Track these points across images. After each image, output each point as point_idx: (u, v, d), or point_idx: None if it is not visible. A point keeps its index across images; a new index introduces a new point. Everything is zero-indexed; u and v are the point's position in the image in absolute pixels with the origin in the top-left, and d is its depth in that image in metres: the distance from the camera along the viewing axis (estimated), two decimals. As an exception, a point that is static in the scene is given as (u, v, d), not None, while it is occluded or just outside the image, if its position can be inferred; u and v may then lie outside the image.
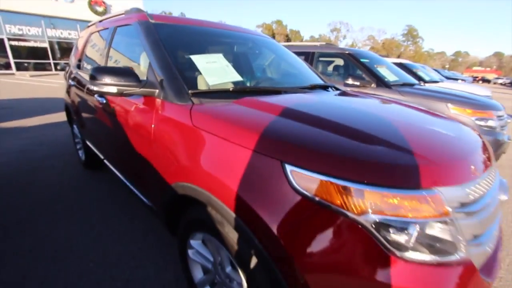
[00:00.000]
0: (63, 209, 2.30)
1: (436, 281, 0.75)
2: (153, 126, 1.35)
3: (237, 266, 1.02)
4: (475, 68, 72.06)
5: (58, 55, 19.11)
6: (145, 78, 1.44)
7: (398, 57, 47.78)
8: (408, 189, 0.75)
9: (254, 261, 0.93)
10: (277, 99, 1.33)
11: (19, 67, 17.11)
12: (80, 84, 2.55)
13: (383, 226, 0.75)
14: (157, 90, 1.37)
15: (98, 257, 1.74)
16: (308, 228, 0.79)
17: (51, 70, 18.76)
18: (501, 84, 41.14)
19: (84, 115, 2.52)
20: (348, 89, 2.28)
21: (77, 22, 19.30)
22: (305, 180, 0.80)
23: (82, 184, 2.78)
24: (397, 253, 0.74)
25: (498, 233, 1.06)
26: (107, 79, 1.32)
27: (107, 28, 2.22)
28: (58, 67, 18.99)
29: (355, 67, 3.71)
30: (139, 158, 1.49)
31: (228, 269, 1.15)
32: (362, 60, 3.70)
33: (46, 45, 18.22)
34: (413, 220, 0.74)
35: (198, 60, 1.54)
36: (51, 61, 18.70)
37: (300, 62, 2.32)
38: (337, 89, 1.92)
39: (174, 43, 1.65)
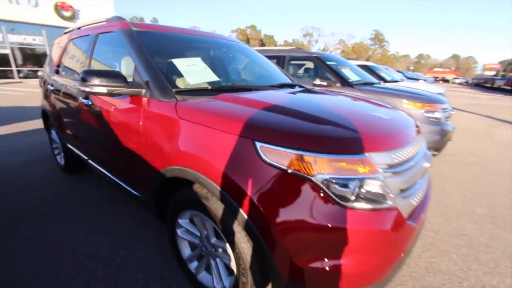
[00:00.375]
0: (48, 210, 2.35)
1: (371, 222, 1.01)
2: (141, 121, 1.52)
3: (221, 233, 1.23)
4: (436, 69, 77.92)
5: (21, 62, 18.06)
6: (131, 80, 1.61)
7: (367, 60, 50.49)
8: (347, 154, 1.01)
9: (236, 225, 1.14)
10: (248, 94, 1.57)
11: (-23, 75, 15.94)
12: (60, 89, 2.62)
13: (330, 183, 0.99)
14: (143, 90, 1.54)
15: (88, 251, 1.85)
16: (277, 191, 1.02)
17: (13, 77, 17.67)
18: (458, 83, 45.03)
19: (66, 118, 2.59)
20: (316, 88, 2.58)
21: (42, 27, 18.42)
22: (271, 153, 1.04)
23: (64, 187, 2.82)
24: (342, 203, 0.99)
25: (425, 192, 1.36)
26: (97, 81, 1.48)
27: (88, 35, 2.33)
28: (21, 75, 17.95)
29: (323, 69, 4.07)
30: (128, 153, 1.65)
31: (213, 239, 1.35)
32: (328, 62, 4.08)
33: (7, 51, 17.17)
34: (351, 177, 1.00)
35: (179, 63, 1.74)
36: (14, 68, 17.64)
37: (270, 64, 2.59)
38: (302, 87, 2.19)
39: (156, 48, 1.83)
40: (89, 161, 2.31)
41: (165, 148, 1.37)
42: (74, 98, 2.30)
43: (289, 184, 1.01)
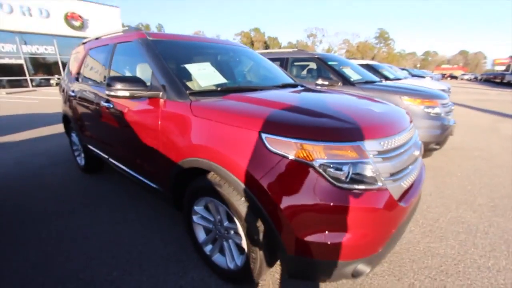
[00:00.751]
0: (73, 205, 2.57)
1: (363, 201, 1.16)
2: (159, 121, 1.71)
3: (234, 215, 1.40)
4: (443, 66, 76.74)
5: (34, 71, 18.77)
6: (149, 84, 1.81)
7: (372, 59, 50.22)
8: (340, 142, 1.18)
9: (246, 206, 1.31)
10: (254, 94, 1.75)
11: (-7, 85, 16.64)
12: (81, 95, 2.85)
13: (326, 167, 1.16)
14: (161, 92, 1.73)
15: (112, 239, 2.05)
16: (281, 175, 1.19)
17: (27, 86, 18.38)
18: (467, 79, 44.28)
19: (87, 121, 2.82)
20: (318, 88, 2.74)
21: (54, 37, 19.12)
22: (275, 143, 1.21)
23: (85, 185, 3.05)
24: (337, 184, 1.15)
25: (417, 177, 1.51)
26: (120, 86, 1.68)
27: (106, 45, 2.56)
28: (34, 83, 18.63)
29: (325, 69, 4.23)
30: (147, 149, 1.84)
31: (226, 223, 1.52)
32: (329, 62, 4.24)
33: (21, 61, 17.90)
34: (344, 161, 1.16)
35: (191, 68, 1.93)
36: (28, 77, 18.37)
37: (273, 66, 2.77)
38: (303, 86, 2.36)
39: (169, 55, 2.02)
40: (110, 159, 2.53)
41: (181, 143, 1.56)
42: (94, 102, 2.52)
43: (291, 169, 1.18)
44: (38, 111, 8.78)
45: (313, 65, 4.79)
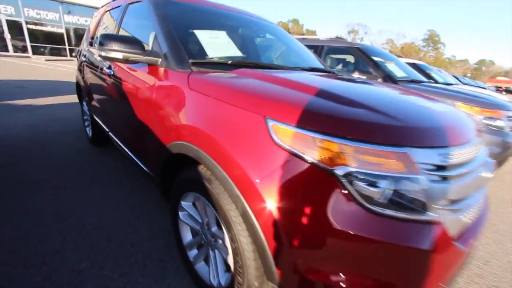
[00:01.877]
0: (67, 178, 2.41)
1: (403, 235, 0.79)
2: (154, 93, 1.42)
3: (221, 223, 1.08)
4: (499, 78, 69.56)
5: (74, 42, 19.53)
6: (150, 49, 1.51)
7: (414, 62, 46.72)
8: (380, 145, 0.79)
9: (236, 214, 0.98)
10: (270, 71, 1.38)
11: (36, 51, 17.53)
12: (90, 60, 2.65)
13: (355, 178, 0.79)
14: (160, 59, 1.43)
15: (95, 221, 1.83)
16: (286, 180, 0.84)
17: (66, 56, 19.19)
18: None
19: (93, 89, 2.62)
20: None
21: (94, 10, 19.66)
22: (283, 134, 0.85)
23: (87, 158, 2.89)
24: (367, 205, 0.78)
25: (481, 208, 1.09)
26: (114, 46, 1.39)
27: (119, 6, 2.30)
28: (73, 54, 19.41)
29: (363, 61, 3.70)
30: (140, 126, 1.56)
31: (214, 228, 1.21)
32: (370, 55, 3.70)
33: (62, 30, 18.64)
34: (383, 174, 0.78)
35: (202, 35, 1.60)
36: (67, 46, 19.14)
37: (304, 48, 2.36)
38: (336, 74, 1.95)
39: (180, 19, 1.71)
40: (110, 133, 2.31)
41: (172, 121, 1.25)
42: (99, 68, 2.29)
43: (302, 175, 0.82)
44: (69, 80, 9.00)
45: (350, 59, 4.26)
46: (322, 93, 1.00)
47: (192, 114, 1.13)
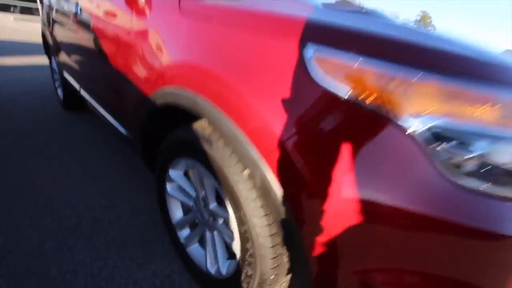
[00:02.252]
0: (32, 145, 2.04)
1: (496, 219, 0.54)
2: (132, 27, 1.06)
3: (225, 198, 0.81)
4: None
5: (47, 1, 17.67)
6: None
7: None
8: (475, 82, 0.51)
9: (249, 186, 0.70)
10: None
11: (4, 8, 15.74)
12: (52, 2, 2.17)
13: (434, 136, 0.52)
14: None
15: (65, 199, 1.51)
16: (332, 137, 0.56)
17: (38, 15, 17.40)
18: None
19: (60, 37, 2.17)
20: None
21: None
22: (330, 67, 0.56)
23: (57, 124, 2.50)
24: (452, 178, 0.52)
25: None
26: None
27: None
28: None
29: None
30: (115, 74, 1.22)
31: (213, 205, 0.94)
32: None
33: (33, -13, 16.70)
34: (478, 130, 0.52)
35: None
36: (39, 5, 17.30)
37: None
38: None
39: None
40: (81, 91, 1.92)
41: (158, 62, 0.92)
42: (64, 10, 1.85)
43: (356, 129, 0.55)
44: (38, 41, 8.09)
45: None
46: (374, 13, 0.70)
47: (188, 47, 0.81)
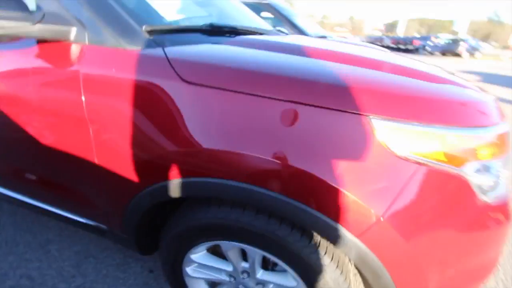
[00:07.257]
0: None
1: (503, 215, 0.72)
2: (83, 97, 0.77)
3: (285, 264, 0.75)
4: (335, 28, 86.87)
5: None
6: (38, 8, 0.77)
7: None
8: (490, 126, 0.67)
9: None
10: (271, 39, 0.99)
11: None
12: None
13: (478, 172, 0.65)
14: (74, 28, 0.76)
15: None
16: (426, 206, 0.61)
17: None
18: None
19: None
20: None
21: None
22: (401, 137, 0.59)
23: None
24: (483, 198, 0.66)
25: None
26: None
27: None
28: None
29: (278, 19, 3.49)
30: (66, 161, 0.87)
31: (259, 272, 0.86)
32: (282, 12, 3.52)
33: None
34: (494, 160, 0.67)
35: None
36: None
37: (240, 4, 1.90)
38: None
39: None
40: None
41: (156, 146, 0.71)
42: None
43: (430, 187, 0.61)
44: None
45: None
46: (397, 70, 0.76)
47: (199, 124, 0.66)
